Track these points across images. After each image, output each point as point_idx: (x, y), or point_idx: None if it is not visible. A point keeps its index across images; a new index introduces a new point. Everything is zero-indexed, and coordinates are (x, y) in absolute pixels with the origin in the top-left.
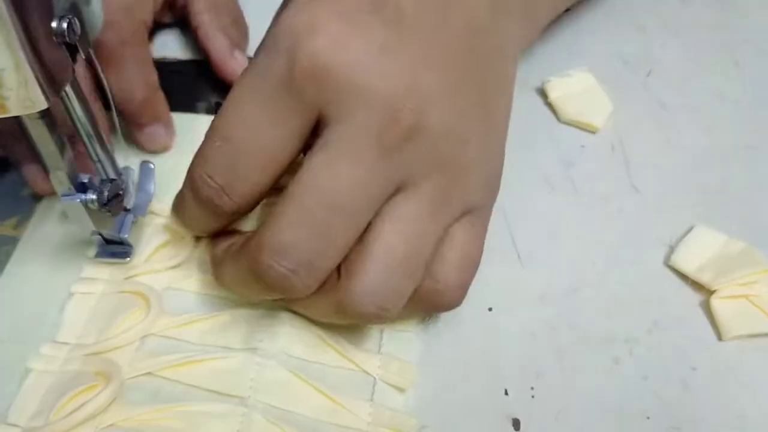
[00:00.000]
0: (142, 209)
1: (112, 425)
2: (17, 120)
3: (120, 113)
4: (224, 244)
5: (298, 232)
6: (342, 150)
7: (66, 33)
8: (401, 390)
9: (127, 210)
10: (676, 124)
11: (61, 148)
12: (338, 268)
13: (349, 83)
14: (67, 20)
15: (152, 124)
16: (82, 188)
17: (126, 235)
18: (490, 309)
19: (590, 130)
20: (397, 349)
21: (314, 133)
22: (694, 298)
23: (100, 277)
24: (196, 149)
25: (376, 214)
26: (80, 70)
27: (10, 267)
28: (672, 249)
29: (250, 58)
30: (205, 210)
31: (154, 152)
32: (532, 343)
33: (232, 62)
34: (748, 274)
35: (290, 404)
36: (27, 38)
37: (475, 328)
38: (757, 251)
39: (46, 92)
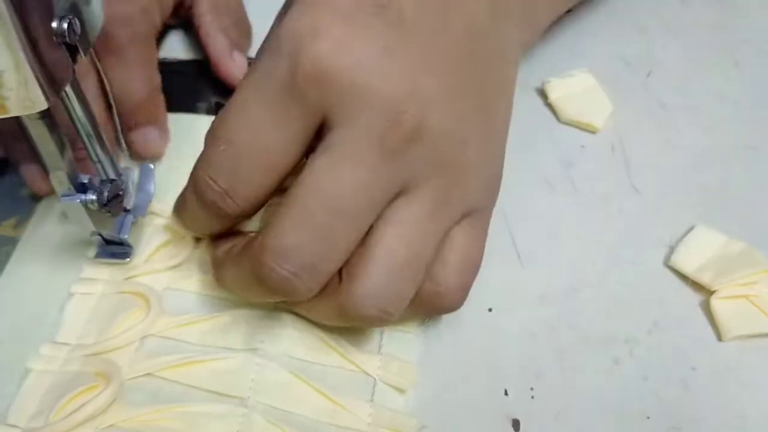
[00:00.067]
0: (142, 210)
1: (112, 426)
2: (17, 120)
3: (117, 112)
4: (226, 245)
5: (301, 235)
6: (344, 153)
7: (66, 33)
8: (401, 390)
9: (127, 210)
10: (676, 125)
11: (61, 149)
12: (340, 271)
13: (351, 87)
14: (68, 20)
15: (147, 125)
16: (82, 188)
17: (126, 236)
18: (490, 309)
19: (590, 131)
20: (398, 350)
21: (317, 136)
22: (694, 298)
23: (99, 277)
24: (196, 150)
25: (378, 217)
26: (90, 76)
27: (10, 267)
28: (672, 249)
29: (251, 59)
30: (209, 212)
31: (146, 158)
32: (532, 344)
33: (230, 63)
34: (748, 275)
35: (290, 405)
36: (27, 38)
37: (475, 329)
38: (757, 251)
39: (46, 92)
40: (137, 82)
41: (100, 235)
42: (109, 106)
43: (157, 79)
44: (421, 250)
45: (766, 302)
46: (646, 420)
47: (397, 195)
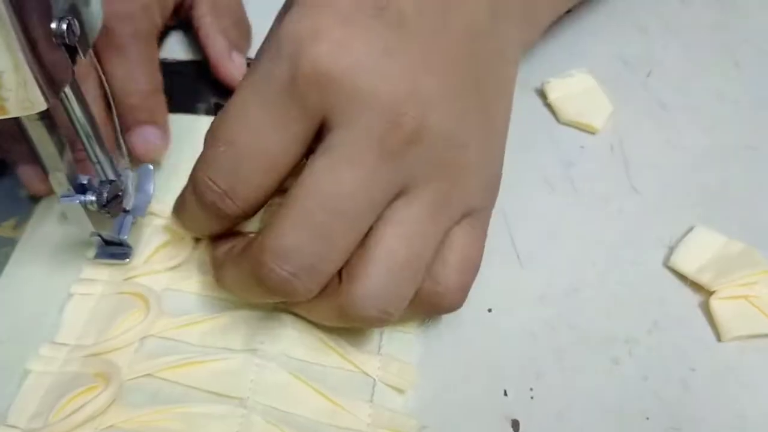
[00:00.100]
0: (141, 210)
1: (111, 426)
2: (16, 121)
3: (117, 111)
4: (225, 246)
5: (300, 235)
6: (344, 154)
7: (65, 34)
8: (401, 391)
9: (126, 211)
10: (676, 125)
11: (61, 150)
12: (339, 272)
13: (351, 88)
14: (67, 21)
15: (147, 125)
16: (82, 189)
17: (125, 236)
18: (489, 310)
19: (590, 131)
20: (397, 350)
21: (317, 137)
22: (694, 298)
23: (99, 278)
24: (195, 150)
25: (378, 218)
26: (90, 78)
27: (9, 268)
28: (671, 250)
29: (250, 60)
30: (209, 213)
31: (145, 160)
32: (532, 344)
33: (229, 64)
34: (748, 275)
35: (290, 406)
36: (26, 39)
37: (475, 329)
38: (757, 252)
39: (45, 93)
40: (138, 79)
41: (99, 235)
42: (109, 108)
43: (159, 77)
44: (421, 250)
45: (765, 303)
46: (645, 420)
47: (397, 196)
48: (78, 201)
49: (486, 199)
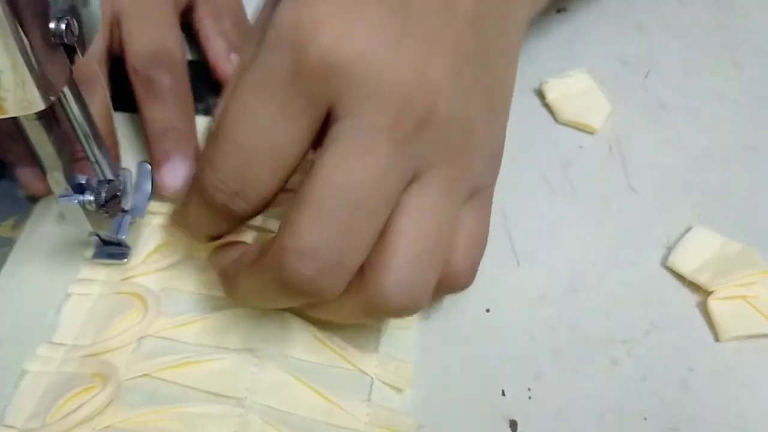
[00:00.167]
0: (139, 210)
1: (108, 427)
2: (15, 121)
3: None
4: (231, 256)
5: (322, 232)
6: (356, 145)
7: (64, 34)
8: (399, 390)
9: (124, 211)
10: (675, 125)
11: (59, 150)
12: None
13: (359, 76)
14: (65, 21)
15: (177, 159)
16: (80, 189)
17: (123, 236)
18: (487, 310)
19: (588, 131)
20: (395, 349)
21: (322, 128)
22: (692, 298)
23: (97, 278)
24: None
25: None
26: (101, 80)
27: (7, 268)
28: (670, 250)
29: None
30: (218, 216)
31: (174, 195)
32: (530, 344)
33: (228, 65)
34: (746, 275)
35: (287, 405)
36: (24, 39)
37: (473, 329)
38: (756, 252)
39: (43, 93)
40: (176, 121)
41: (97, 235)
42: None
43: (192, 114)
44: (440, 234)
45: (763, 303)
46: (644, 420)
47: (410, 182)
48: (76, 201)
49: (490, 177)
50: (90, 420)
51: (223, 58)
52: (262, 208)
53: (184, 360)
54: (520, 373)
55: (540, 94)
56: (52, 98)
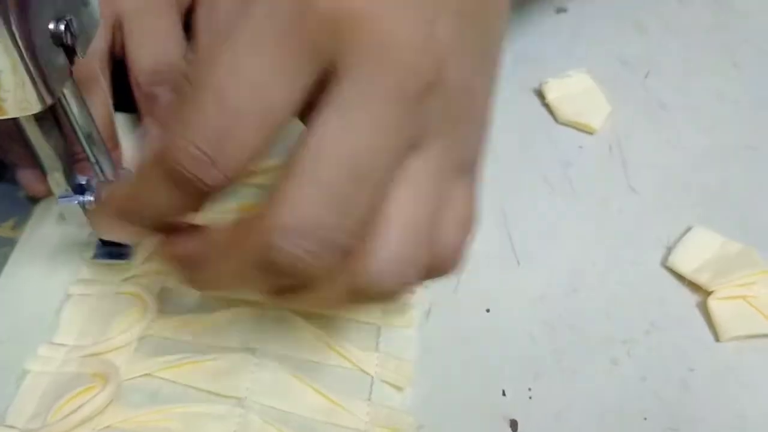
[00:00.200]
0: None
1: (109, 427)
2: (15, 122)
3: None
4: (189, 241)
5: (316, 207)
6: (358, 108)
7: (63, 35)
8: (399, 388)
9: None
10: (675, 125)
11: (59, 150)
12: None
13: (368, 31)
14: (65, 22)
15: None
16: (80, 190)
17: None
18: (488, 310)
19: (588, 131)
20: (396, 348)
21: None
22: (692, 299)
23: (97, 278)
24: None
25: None
26: (102, 81)
27: (8, 268)
28: (670, 250)
29: None
30: (181, 192)
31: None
32: (530, 344)
33: None
34: (746, 275)
35: (287, 405)
36: (24, 40)
37: (474, 329)
38: (755, 252)
39: (43, 94)
40: None
41: (98, 236)
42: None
43: None
44: (434, 209)
45: (763, 303)
46: (644, 420)
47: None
48: (76, 201)
49: (480, 150)
50: (90, 420)
51: None
52: (232, 182)
53: (184, 360)
54: (520, 373)
55: (540, 94)
56: (52, 99)
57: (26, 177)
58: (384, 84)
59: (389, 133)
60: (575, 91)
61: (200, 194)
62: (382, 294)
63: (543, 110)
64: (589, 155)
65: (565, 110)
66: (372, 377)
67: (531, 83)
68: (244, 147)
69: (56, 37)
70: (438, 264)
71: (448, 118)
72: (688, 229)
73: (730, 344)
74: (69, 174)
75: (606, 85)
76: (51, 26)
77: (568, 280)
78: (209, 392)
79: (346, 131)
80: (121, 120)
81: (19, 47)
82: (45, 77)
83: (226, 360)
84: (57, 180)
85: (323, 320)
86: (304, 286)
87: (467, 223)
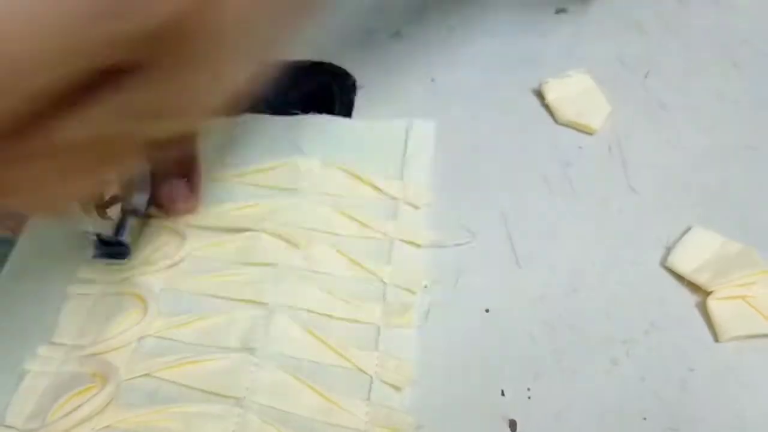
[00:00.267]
0: (139, 211)
1: (108, 426)
2: None
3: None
4: None
5: None
6: None
7: None
8: (398, 388)
9: (125, 211)
10: (675, 125)
11: None
12: None
13: None
14: None
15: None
16: None
17: (123, 237)
18: (487, 310)
19: (588, 132)
20: (395, 348)
21: None
22: (691, 299)
23: (97, 278)
24: None
25: None
26: None
27: (8, 268)
28: (669, 250)
29: None
30: None
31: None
32: (530, 344)
33: None
34: (746, 275)
35: (286, 405)
36: None
37: (473, 329)
38: (755, 252)
39: None
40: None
41: (97, 236)
42: None
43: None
44: None
45: (762, 303)
46: (643, 421)
47: None
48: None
49: None
50: (90, 419)
51: None
52: None
53: (183, 360)
54: (519, 373)
55: (540, 95)
56: None
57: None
58: None
59: None
60: (575, 91)
61: None
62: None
63: (543, 110)
64: (589, 155)
65: (564, 110)
66: (371, 377)
67: (531, 83)
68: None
69: None
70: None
71: None
72: (688, 229)
73: (729, 344)
74: None
75: (606, 85)
76: None
77: (567, 280)
78: (208, 392)
79: None
80: None
81: None
82: None
83: (225, 360)
84: None
85: (323, 320)
86: None
87: None
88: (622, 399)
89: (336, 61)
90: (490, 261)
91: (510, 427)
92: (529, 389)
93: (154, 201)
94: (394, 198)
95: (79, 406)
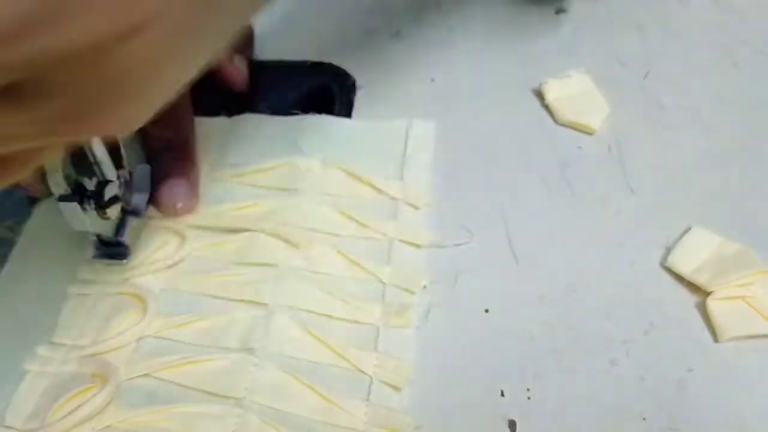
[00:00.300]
0: (139, 211)
1: (108, 427)
2: None
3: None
4: None
5: None
6: None
7: None
8: (397, 389)
9: (124, 212)
10: (674, 126)
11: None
12: None
13: None
14: None
15: (178, 178)
16: (80, 190)
17: (123, 237)
18: (486, 310)
19: (587, 132)
20: (394, 348)
21: None
22: (690, 299)
23: (96, 278)
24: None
25: None
26: None
27: (8, 269)
28: (668, 250)
29: (251, 62)
30: None
31: (171, 216)
32: (529, 344)
33: (230, 67)
34: (745, 276)
35: (286, 405)
36: None
37: (472, 329)
38: (754, 252)
39: None
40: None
41: (97, 236)
42: None
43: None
44: None
45: (762, 303)
46: (642, 421)
47: None
48: (76, 202)
49: None
50: (90, 420)
51: (226, 60)
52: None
53: (183, 360)
54: (519, 374)
55: (539, 95)
56: None
57: (26, 177)
58: None
59: None
60: (574, 91)
61: None
62: None
63: (542, 111)
64: (589, 156)
65: (564, 111)
66: (370, 377)
67: (531, 83)
68: None
69: None
70: None
71: None
72: (687, 230)
73: (728, 344)
74: (69, 174)
75: (605, 85)
76: None
77: (567, 280)
78: (208, 392)
79: None
80: None
81: None
82: None
83: (224, 360)
84: (57, 180)
85: (323, 320)
86: None
87: None
88: (621, 399)
89: (336, 61)
90: (489, 261)
91: (509, 427)
92: (528, 389)
93: (154, 201)
94: (393, 198)
95: (79, 406)
